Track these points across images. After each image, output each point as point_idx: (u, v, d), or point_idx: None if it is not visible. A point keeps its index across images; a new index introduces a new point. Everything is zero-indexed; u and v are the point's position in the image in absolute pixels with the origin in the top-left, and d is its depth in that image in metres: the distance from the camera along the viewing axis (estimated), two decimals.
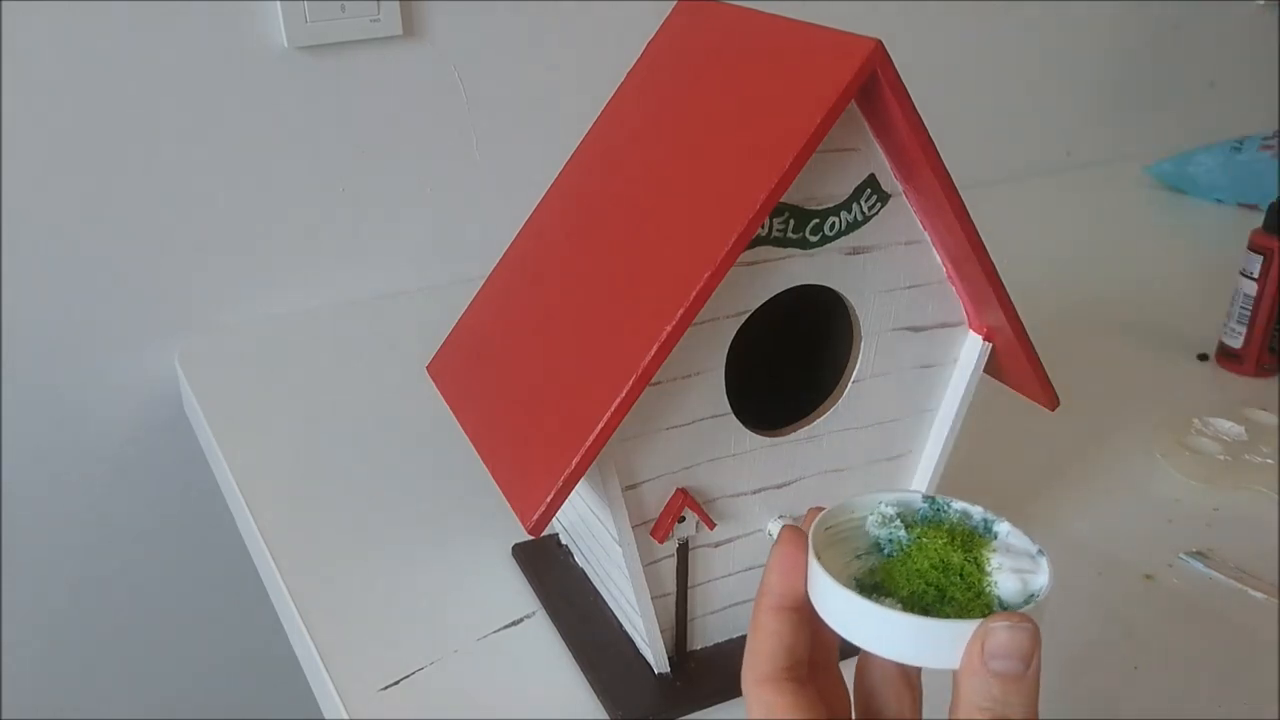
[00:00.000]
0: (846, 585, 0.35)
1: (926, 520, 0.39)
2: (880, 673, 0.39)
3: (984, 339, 0.52)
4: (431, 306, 0.76)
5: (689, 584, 0.53)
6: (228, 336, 0.91)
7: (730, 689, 0.54)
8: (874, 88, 0.42)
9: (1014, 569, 0.36)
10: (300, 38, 0.85)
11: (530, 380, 0.50)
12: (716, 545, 0.52)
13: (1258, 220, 0.84)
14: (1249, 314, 0.82)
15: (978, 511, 0.39)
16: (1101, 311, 0.94)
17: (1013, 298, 0.49)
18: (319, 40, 0.86)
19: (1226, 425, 0.76)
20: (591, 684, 0.54)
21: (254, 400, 0.81)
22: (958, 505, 0.39)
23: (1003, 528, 0.38)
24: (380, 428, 0.77)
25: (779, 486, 0.52)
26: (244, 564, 0.72)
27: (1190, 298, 0.98)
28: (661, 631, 0.53)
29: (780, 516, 0.53)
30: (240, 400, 0.81)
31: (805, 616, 0.38)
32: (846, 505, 0.39)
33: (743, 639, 0.56)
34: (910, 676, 0.39)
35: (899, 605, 0.35)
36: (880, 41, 0.41)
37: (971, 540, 0.38)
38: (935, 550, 0.37)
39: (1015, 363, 0.52)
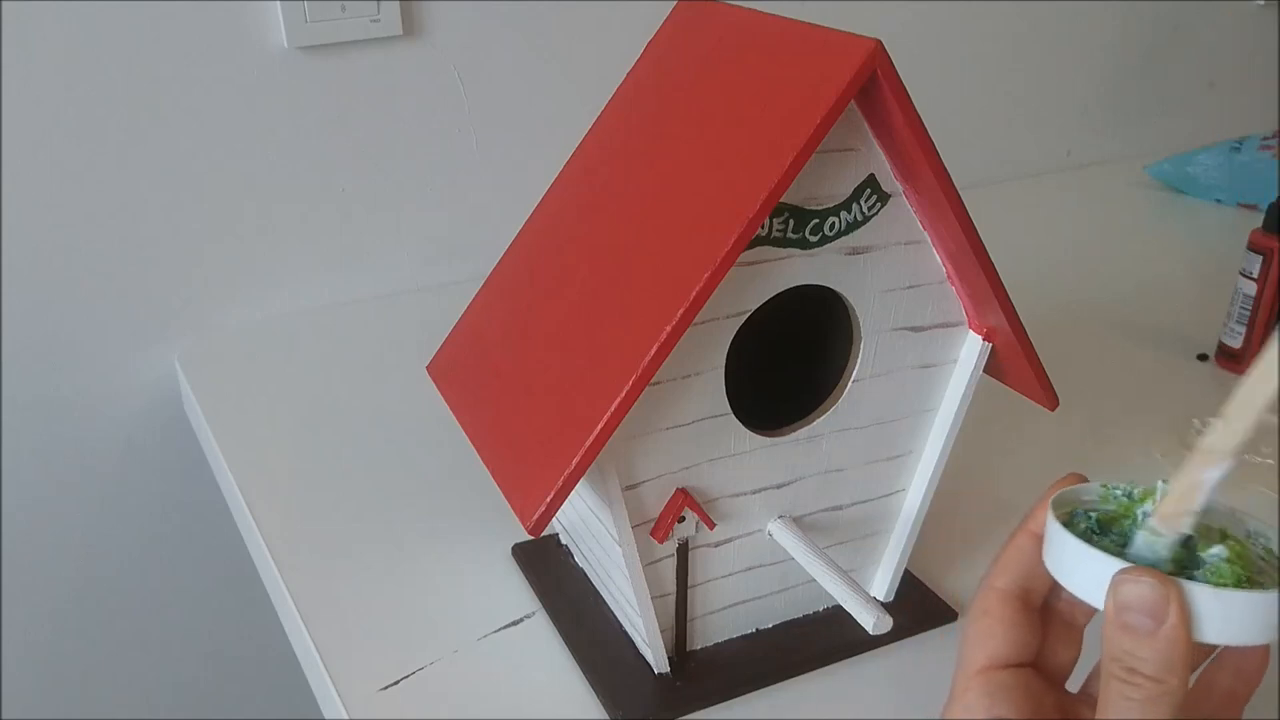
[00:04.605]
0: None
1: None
2: None
3: (984, 339, 0.52)
4: (431, 306, 0.76)
5: (689, 584, 0.53)
6: (228, 336, 0.91)
7: (730, 689, 0.54)
8: (874, 88, 0.42)
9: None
10: (300, 38, 0.85)
11: (530, 380, 0.50)
12: (716, 545, 0.52)
13: (1258, 220, 0.84)
14: (1249, 314, 0.82)
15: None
16: (1101, 311, 0.94)
17: (1013, 298, 0.49)
18: (319, 40, 0.86)
19: None
20: (591, 684, 0.54)
21: (254, 400, 0.81)
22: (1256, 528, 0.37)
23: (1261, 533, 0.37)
24: (380, 428, 0.77)
25: (779, 486, 0.52)
26: (244, 564, 0.72)
27: (1190, 298, 0.98)
28: (661, 631, 0.53)
29: (780, 516, 0.53)
30: (240, 400, 0.81)
31: None
32: (1109, 488, 0.39)
33: (743, 639, 0.56)
34: None
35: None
36: (880, 41, 0.41)
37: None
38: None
39: (1015, 363, 0.51)
